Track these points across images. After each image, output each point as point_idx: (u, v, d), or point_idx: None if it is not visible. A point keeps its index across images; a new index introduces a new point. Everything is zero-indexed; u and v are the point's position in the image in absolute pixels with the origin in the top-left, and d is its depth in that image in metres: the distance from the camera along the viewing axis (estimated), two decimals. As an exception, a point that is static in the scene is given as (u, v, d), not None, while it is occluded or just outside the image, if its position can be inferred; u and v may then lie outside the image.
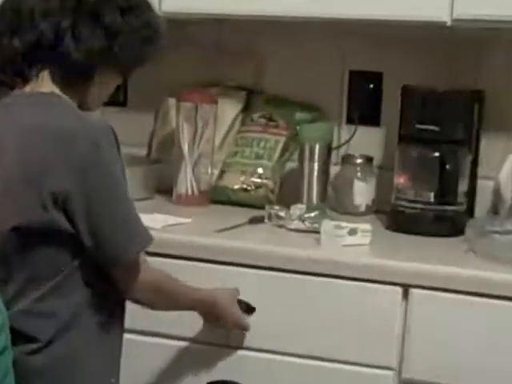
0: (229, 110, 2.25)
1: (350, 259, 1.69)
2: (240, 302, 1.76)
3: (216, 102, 2.16)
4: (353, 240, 1.75)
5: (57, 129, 1.47)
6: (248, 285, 1.75)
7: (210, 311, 1.74)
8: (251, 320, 1.74)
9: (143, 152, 2.33)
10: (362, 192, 1.97)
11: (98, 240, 1.49)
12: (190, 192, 2.14)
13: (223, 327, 1.77)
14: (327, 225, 1.80)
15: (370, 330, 1.64)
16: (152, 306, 1.62)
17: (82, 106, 1.57)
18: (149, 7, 1.59)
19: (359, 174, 1.96)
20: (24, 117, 1.51)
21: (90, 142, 1.44)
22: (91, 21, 1.49)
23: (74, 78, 1.54)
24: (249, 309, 1.75)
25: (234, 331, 1.76)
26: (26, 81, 1.54)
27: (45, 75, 1.53)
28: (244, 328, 1.77)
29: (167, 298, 1.65)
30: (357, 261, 1.69)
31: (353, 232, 1.76)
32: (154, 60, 1.60)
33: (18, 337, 1.45)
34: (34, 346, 1.48)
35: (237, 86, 2.28)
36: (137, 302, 1.61)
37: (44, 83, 1.53)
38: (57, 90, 1.52)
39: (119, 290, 1.58)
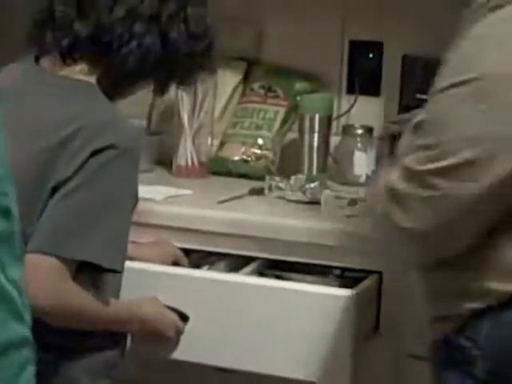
0: (228, 80, 2.26)
1: (352, 229, 1.70)
2: (172, 309, 1.69)
3: (215, 72, 2.07)
4: (353, 210, 1.76)
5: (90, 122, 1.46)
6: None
7: (141, 328, 1.65)
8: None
9: (143, 123, 2.29)
10: (363, 162, 1.97)
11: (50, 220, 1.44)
12: (190, 163, 2.15)
13: (162, 343, 1.70)
14: (327, 195, 1.80)
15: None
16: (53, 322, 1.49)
17: (109, 97, 1.56)
18: (213, 34, 1.58)
19: (359, 144, 1.97)
20: (52, 105, 1.49)
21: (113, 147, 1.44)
22: (158, 36, 1.49)
23: (117, 80, 1.54)
24: (183, 317, 1.70)
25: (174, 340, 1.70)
26: (59, 61, 1.52)
27: (87, 64, 1.52)
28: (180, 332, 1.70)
29: (78, 321, 1.54)
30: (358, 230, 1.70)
31: (353, 202, 1.78)
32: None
33: None
34: None
35: (236, 57, 2.27)
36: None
37: (82, 71, 1.51)
38: (93, 81, 1.51)
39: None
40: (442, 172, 1.29)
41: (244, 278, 1.76)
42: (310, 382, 1.70)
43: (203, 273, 1.79)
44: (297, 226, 1.80)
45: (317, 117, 2.01)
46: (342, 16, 2.15)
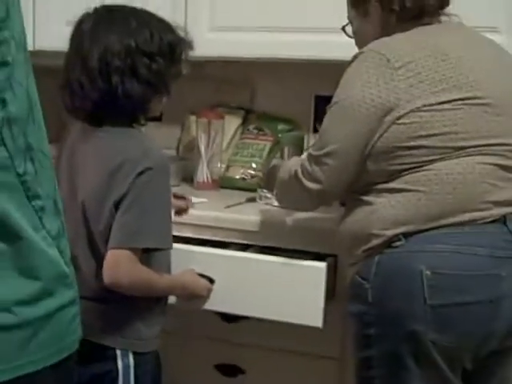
0: (232, 123, 2.51)
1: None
2: (202, 276, 1.87)
3: (223, 118, 2.42)
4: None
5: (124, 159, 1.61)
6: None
7: (183, 291, 1.85)
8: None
9: (173, 153, 2.55)
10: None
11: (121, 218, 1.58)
12: (205, 180, 2.39)
13: (196, 299, 1.87)
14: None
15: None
16: (131, 294, 1.66)
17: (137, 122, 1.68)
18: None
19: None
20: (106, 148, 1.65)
21: (150, 170, 1.59)
22: (133, 75, 1.61)
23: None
24: (211, 280, 1.88)
25: (205, 297, 1.87)
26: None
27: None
28: (210, 290, 1.87)
29: (146, 291, 1.71)
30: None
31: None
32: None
33: None
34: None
35: (237, 107, 2.55)
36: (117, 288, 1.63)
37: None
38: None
39: (104, 277, 1.61)
40: (324, 155, 1.58)
41: (249, 255, 1.94)
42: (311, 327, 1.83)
43: (222, 251, 1.96)
44: (278, 222, 1.99)
45: (291, 149, 2.26)
46: (310, 78, 2.42)
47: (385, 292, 1.54)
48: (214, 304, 1.91)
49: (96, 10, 1.68)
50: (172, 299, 1.84)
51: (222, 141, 2.45)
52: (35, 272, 1.00)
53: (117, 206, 1.60)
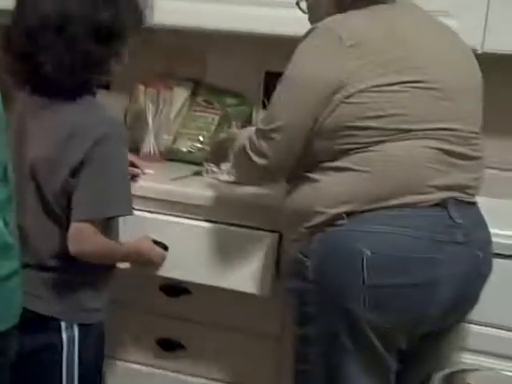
0: (180, 95, 2.49)
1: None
2: (157, 243, 1.96)
3: (172, 89, 2.43)
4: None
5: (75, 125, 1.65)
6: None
7: (138, 258, 1.94)
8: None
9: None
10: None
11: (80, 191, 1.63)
12: (152, 152, 2.40)
13: (151, 265, 1.97)
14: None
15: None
16: (87, 261, 1.71)
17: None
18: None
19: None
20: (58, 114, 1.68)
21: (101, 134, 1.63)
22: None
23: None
24: (165, 247, 1.98)
25: (159, 264, 1.97)
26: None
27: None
28: (164, 258, 1.96)
29: (108, 259, 1.79)
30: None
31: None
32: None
33: None
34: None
35: (187, 78, 2.53)
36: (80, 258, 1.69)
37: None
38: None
39: (70, 248, 1.67)
40: (271, 129, 1.60)
41: (200, 223, 1.99)
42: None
43: (176, 219, 2.02)
44: (223, 197, 2.02)
45: (240, 123, 2.35)
46: (261, 53, 2.44)
47: (325, 270, 1.56)
48: (167, 270, 1.99)
49: None
50: (125, 265, 1.91)
51: (169, 112, 2.45)
52: None
53: (73, 173, 1.63)
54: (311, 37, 1.58)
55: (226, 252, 1.96)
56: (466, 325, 1.84)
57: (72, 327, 1.74)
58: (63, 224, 1.71)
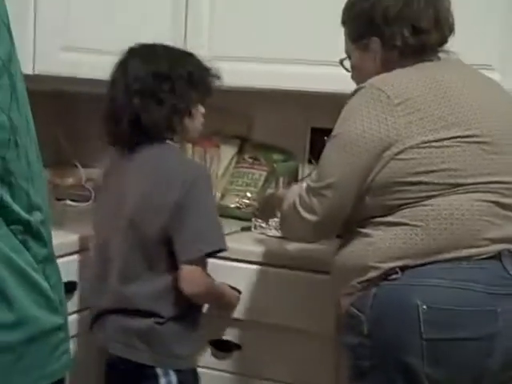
0: (227, 152, 2.56)
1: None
2: (234, 288, 2.02)
3: (218, 147, 2.50)
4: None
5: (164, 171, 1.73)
6: (240, 274, 2.02)
7: (222, 301, 2.00)
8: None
9: None
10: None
11: (177, 233, 1.70)
12: None
13: (229, 307, 2.03)
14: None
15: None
16: (197, 302, 1.82)
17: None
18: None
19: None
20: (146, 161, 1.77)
21: (189, 182, 1.71)
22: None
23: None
24: (238, 292, 2.04)
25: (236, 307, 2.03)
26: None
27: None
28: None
29: (213, 298, 1.90)
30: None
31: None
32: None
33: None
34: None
35: (233, 136, 2.59)
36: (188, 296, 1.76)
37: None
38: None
39: (184, 290, 1.74)
40: (322, 187, 1.62)
41: (268, 268, 2.02)
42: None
43: (245, 265, 2.04)
44: (273, 251, 2.04)
45: (286, 178, 2.32)
46: (307, 110, 2.47)
47: (381, 325, 1.55)
48: (240, 312, 2.06)
49: (132, 47, 1.83)
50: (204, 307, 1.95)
51: (217, 169, 2.51)
52: (17, 295, 1.01)
53: (172, 216, 1.71)
54: (359, 95, 1.61)
55: (292, 293, 2.01)
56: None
57: (169, 374, 1.79)
58: (160, 268, 1.77)
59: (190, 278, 1.74)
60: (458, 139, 1.56)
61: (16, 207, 1.02)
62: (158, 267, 1.77)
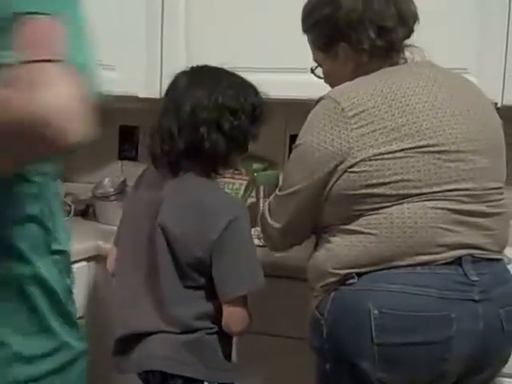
0: None
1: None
2: None
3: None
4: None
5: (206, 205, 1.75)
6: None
7: None
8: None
9: None
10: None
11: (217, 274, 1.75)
12: None
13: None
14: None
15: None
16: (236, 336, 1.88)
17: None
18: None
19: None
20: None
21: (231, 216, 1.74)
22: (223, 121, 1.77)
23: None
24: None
25: None
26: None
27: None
28: None
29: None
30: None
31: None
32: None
33: None
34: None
35: None
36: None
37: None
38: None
39: (232, 330, 1.80)
40: (284, 195, 1.68)
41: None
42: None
43: None
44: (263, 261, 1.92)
45: (267, 187, 2.37)
46: (285, 117, 2.51)
47: (336, 329, 1.58)
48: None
49: (192, 68, 1.85)
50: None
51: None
52: (55, 325, 1.06)
53: (209, 250, 1.74)
54: (319, 106, 1.63)
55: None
56: (502, 379, 1.84)
57: None
58: (202, 286, 1.80)
59: (234, 319, 1.79)
60: (412, 150, 1.56)
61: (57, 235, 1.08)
62: (200, 286, 1.81)
